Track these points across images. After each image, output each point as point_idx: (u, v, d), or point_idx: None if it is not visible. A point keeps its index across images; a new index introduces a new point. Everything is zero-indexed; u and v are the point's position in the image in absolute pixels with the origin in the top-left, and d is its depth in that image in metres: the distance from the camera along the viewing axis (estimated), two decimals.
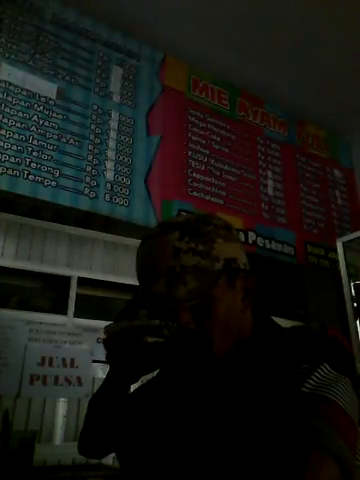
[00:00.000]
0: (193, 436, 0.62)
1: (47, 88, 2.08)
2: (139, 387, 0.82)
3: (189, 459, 0.60)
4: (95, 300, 2.79)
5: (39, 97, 2.03)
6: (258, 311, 0.74)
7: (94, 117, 2.20)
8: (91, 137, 2.14)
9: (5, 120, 1.91)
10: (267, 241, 2.55)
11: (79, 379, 2.40)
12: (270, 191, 2.75)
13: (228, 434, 0.58)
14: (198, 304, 0.62)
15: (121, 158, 2.20)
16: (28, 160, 1.90)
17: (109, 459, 1.92)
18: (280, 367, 0.61)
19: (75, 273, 2.63)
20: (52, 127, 2.02)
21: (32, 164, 1.90)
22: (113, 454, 0.80)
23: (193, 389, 0.69)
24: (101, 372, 2.52)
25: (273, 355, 0.64)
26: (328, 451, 0.49)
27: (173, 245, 0.63)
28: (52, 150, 1.99)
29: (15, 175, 1.84)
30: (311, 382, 0.56)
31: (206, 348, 0.63)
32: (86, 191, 2.02)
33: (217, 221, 0.69)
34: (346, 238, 2.60)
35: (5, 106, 1.93)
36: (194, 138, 2.52)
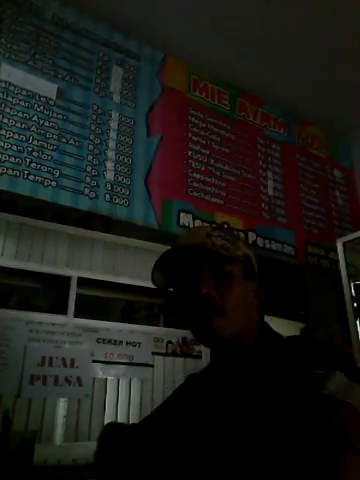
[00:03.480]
0: (211, 451, 0.63)
1: (47, 88, 2.08)
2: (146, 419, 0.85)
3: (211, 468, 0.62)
4: (95, 300, 2.79)
5: (39, 97, 2.03)
6: (261, 319, 0.79)
7: (94, 117, 2.20)
8: (91, 137, 2.14)
9: (5, 120, 1.91)
10: (267, 241, 2.55)
11: (79, 379, 2.40)
12: (270, 191, 2.75)
13: (246, 442, 0.59)
14: (220, 276, 0.73)
15: (121, 158, 2.20)
16: (28, 160, 1.90)
17: None
18: (291, 373, 0.63)
19: (75, 273, 2.63)
20: (52, 127, 2.02)
21: (32, 164, 1.90)
22: None
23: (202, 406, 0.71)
24: (101, 372, 2.52)
25: (280, 361, 0.67)
26: (355, 449, 0.51)
27: (206, 231, 0.76)
28: (52, 150, 1.99)
29: (15, 175, 1.84)
30: (329, 387, 0.58)
31: (218, 312, 0.71)
32: (86, 191, 2.02)
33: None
34: (346, 238, 2.60)
35: (5, 106, 1.93)
36: (194, 138, 2.52)
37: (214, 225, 0.80)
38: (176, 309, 0.78)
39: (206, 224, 0.84)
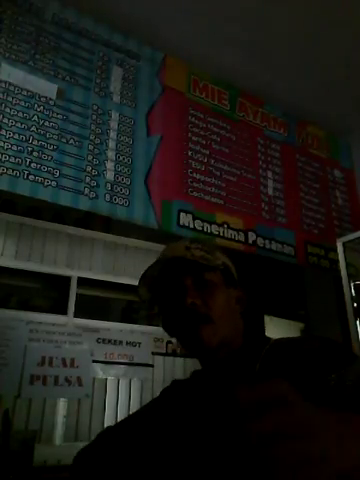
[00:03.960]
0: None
1: (47, 88, 2.08)
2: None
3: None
4: (95, 300, 2.80)
5: (39, 97, 2.03)
6: (249, 323, 0.81)
7: (94, 117, 2.20)
8: (91, 137, 2.14)
9: (5, 120, 1.91)
10: (267, 241, 2.55)
11: (79, 379, 2.40)
12: (270, 191, 2.75)
13: None
14: (202, 286, 0.76)
15: (121, 158, 2.20)
16: (28, 160, 1.90)
17: None
18: (307, 376, 0.61)
19: (75, 273, 2.64)
20: (52, 127, 2.02)
21: (32, 164, 1.90)
22: None
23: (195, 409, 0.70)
24: (101, 372, 2.52)
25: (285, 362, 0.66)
26: None
27: (184, 245, 0.79)
28: (52, 150, 1.99)
29: (15, 175, 1.84)
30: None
31: (205, 321, 0.73)
32: (86, 191, 2.02)
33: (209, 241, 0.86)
34: (346, 238, 2.60)
35: (5, 106, 1.93)
36: (194, 138, 2.52)
37: (191, 240, 0.82)
38: (164, 321, 0.81)
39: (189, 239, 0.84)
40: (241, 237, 2.45)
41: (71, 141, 2.07)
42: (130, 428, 0.78)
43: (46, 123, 2.01)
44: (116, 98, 2.32)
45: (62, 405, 2.37)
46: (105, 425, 2.38)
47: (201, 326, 0.72)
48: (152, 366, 2.63)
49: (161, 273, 0.80)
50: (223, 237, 2.38)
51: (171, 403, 0.77)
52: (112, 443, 0.75)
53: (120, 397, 2.55)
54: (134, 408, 2.50)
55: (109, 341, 2.59)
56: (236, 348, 0.75)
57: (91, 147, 2.12)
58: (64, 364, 2.39)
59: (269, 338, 0.76)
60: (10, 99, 1.95)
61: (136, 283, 0.81)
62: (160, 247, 2.31)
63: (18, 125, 1.93)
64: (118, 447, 0.73)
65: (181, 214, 2.27)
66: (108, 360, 2.56)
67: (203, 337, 0.72)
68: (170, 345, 2.71)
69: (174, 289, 0.77)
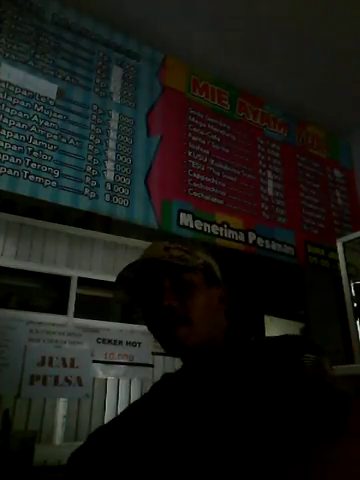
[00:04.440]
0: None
1: (47, 88, 2.08)
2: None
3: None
4: (95, 300, 2.80)
5: (39, 97, 2.03)
6: (235, 322, 0.82)
7: (94, 117, 2.20)
8: (91, 137, 2.14)
9: (5, 120, 1.91)
10: (267, 241, 2.55)
11: (79, 379, 2.40)
12: (270, 191, 2.75)
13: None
14: (181, 287, 0.75)
15: (121, 158, 2.20)
16: (28, 160, 1.90)
17: None
18: (279, 361, 0.65)
19: (75, 273, 2.64)
20: (52, 127, 2.02)
21: (32, 164, 1.90)
22: None
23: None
24: (101, 372, 2.52)
25: (259, 357, 0.69)
26: None
27: (164, 245, 0.79)
28: (52, 150, 1.99)
29: (15, 175, 1.84)
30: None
31: (183, 322, 0.73)
32: (86, 191, 2.02)
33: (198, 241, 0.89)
34: (346, 238, 2.60)
35: (5, 106, 1.93)
36: (194, 138, 2.52)
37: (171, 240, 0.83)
38: (146, 322, 0.80)
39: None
40: (241, 237, 2.45)
41: (71, 141, 2.06)
42: (121, 425, 0.78)
43: (46, 123, 2.01)
44: (116, 98, 2.32)
45: (62, 405, 2.37)
46: None
47: (177, 328, 0.73)
48: (152, 366, 2.63)
49: (139, 275, 0.79)
50: (223, 237, 2.38)
51: (161, 397, 0.78)
52: (103, 442, 0.75)
53: (120, 397, 2.55)
54: None
55: (109, 341, 2.59)
56: (218, 344, 0.75)
57: (91, 147, 2.12)
58: (64, 364, 2.39)
59: (251, 337, 0.77)
60: (10, 99, 1.95)
61: None
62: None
63: (18, 125, 1.93)
64: (109, 445, 0.72)
65: (181, 214, 2.27)
66: (108, 360, 2.56)
67: (180, 339, 0.72)
68: None
69: (152, 291, 0.77)
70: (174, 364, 2.67)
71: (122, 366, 2.59)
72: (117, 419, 0.81)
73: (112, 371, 2.56)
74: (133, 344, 2.66)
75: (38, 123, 1.99)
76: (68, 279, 2.61)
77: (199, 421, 0.64)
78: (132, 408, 0.82)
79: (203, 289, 0.77)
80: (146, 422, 0.72)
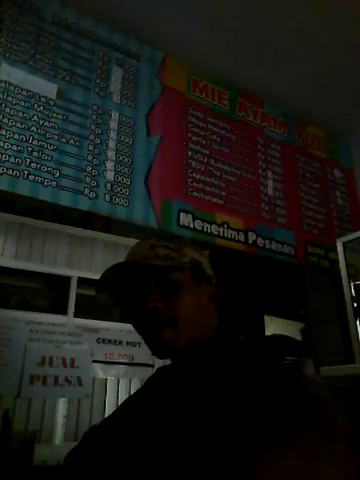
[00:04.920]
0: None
1: (47, 88, 2.08)
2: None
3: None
4: (95, 300, 2.79)
5: (39, 97, 2.03)
6: (227, 319, 0.80)
7: (94, 117, 2.20)
8: (91, 137, 2.14)
9: (5, 120, 1.91)
10: (267, 241, 2.55)
11: (79, 379, 2.40)
12: (270, 191, 2.75)
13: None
14: (166, 287, 0.73)
15: (121, 158, 2.20)
16: (28, 160, 1.90)
17: None
18: (257, 364, 0.64)
19: (75, 273, 2.64)
20: (52, 127, 2.02)
21: (32, 164, 1.90)
22: None
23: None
24: (101, 372, 2.52)
25: (240, 357, 0.68)
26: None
27: (150, 244, 0.77)
28: (52, 150, 1.99)
29: (15, 175, 1.84)
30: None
31: (169, 325, 0.72)
32: (86, 191, 2.02)
33: (187, 239, 0.86)
34: (346, 238, 2.60)
35: (5, 106, 1.93)
36: (194, 138, 2.52)
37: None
38: (133, 325, 0.79)
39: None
40: (241, 237, 2.45)
41: (71, 141, 2.06)
42: (115, 422, 0.77)
43: (46, 123, 2.01)
44: (116, 98, 2.32)
45: (62, 405, 2.37)
46: None
47: (163, 330, 0.71)
48: (152, 366, 2.63)
49: (122, 277, 0.77)
50: (223, 237, 2.38)
51: (155, 391, 0.78)
52: (98, 440, 0.75)
53: (120, 397, 2.55)
54: None
55: (109, 341, 2.59)
56: (207, 344, 0.74)
57: (91, 147, 2.12)
58: (64, 364, 2.39)
59: (239, 337, 0.76)
60: (10, 99, 1.95)
61: None
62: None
63: (18, 125, 1.93)
64: (104, 443, 0.72)
65: (181, 214, 2.27)
66: (108, 360, 2.56)
67: (166, 341, 0.71)
68: None
69: (137, 293, 0.75)
70: None
71: (122, 366, 2.59)
72: (112, 416, 0.81)
73: (112, 371, 2.56)
74: (133, 344, 2.66)
75: (38, 123, 1.99)
76: (68, 279, 2.61)
77: (177, 417, 0.64)
78: (126, 404, 0.83)
79: (191, 288, 0.75)
80: (140, 417, 0.72)
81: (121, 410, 0.81)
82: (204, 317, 0.76)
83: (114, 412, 0.82)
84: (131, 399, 0.83)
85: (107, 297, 0.80)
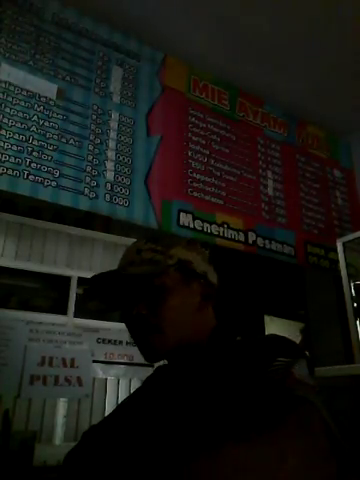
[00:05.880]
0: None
1: (47, 88, 2.08)
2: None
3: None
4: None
5: (39, 97, 2.03)
6: (224, 319, 0.80)
7: (94, 117, 2.20)
8: (91, 137, 2.14)
9: (5, 120, 1.91)
10: (267, 241, 2.55)
11: (79, 379, 2.40)
12: (270, 191, 2.75)
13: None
14: (152, 292, 0.73)
15: (121, 158, 2.20)
16: (28, 160, 1.90)
17: None
18: (250, 364, 0.64)
19: (75, 273, 2.64)
20: (52, 127, 2.02)
21: (32, 164, 1.90)
22: None
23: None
24: (101, 372, 2.52)
25: (235, 357, 0.68)
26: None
27: (137, 247, 0.77)
28: (52, 150, 1.99)
29: (15, 175, 1.84)
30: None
31: (155, 330, 0.72)
32: (86, 191, 2.02)
33: (185, 239, 0.82)
34: (346, 238, 2.60)
35: (5, 106, 1.93)
36: (194, 138, 2.52)
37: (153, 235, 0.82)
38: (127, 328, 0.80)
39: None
40: (241, 237, 2.45)
41: (71, 141, 2.06)
42: (115, 421, 0.78)
43: (46, 123, 2.01)
44: (116, 98, 2.32)
45: (62, 405, 2.37)
46: None
47: (150, 335, 0.73)
48: (152, 366, 2.62)
49: (109, 285, 0.77)
50: (223, 237, 2.38)
51: (153, 390, 0.78)
52: (97, 440, 0.75)
53: (120, 397, 2.55)
54: None
55: (109, 341, 2.59)
56: (203, 344, 0.74)
57: (91, 147, 2.12)
58: (64, 364, 2.39)
59: (237, 337, 0.75)
60: (10, 99, 1.95)
61: None
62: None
63: (18, 125, 1.93)
64: (104, 443, 0.73)
65: (181, 214, 2.27)
66: (108, 360, 2.56)
67: (153, 346, 0.73)
68: None
69: (124, 299, 0.76)
70: None
71: (122, 366, 2.59)
72: (111, 416, 0.81)
73: (112, 371, 2.56)
74: (133, 344, 2.66)
75: (38, 123, 1.99)
76: (68, 279, 2.61)
77: (169, 416, 0.65)
78: (125, 403, 0.83)
79: (178, 290, 0.74)
80: (138, 416, 0.73)
81: (120, 409, 0.82)
82: (195, 318, 0.75)
83: (113, 411, 0.82)
84: (130, 398, 0.84)
85: (98, 303, 0.81)
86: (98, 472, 0.68)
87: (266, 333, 3.29)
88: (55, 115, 2.05)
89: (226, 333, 0.76)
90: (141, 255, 0.75)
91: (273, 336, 0.71)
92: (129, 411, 0.77)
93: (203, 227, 2.32)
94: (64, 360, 2.40)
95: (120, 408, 0.82)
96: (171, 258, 0.75)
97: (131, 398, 0.83)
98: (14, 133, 1.91)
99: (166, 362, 0.82)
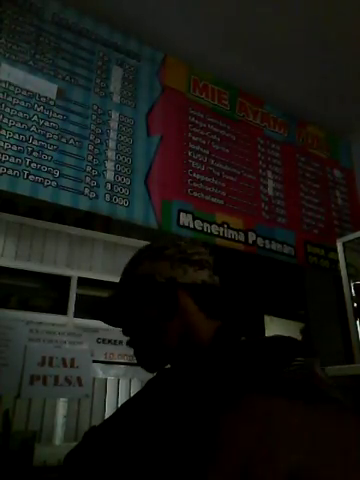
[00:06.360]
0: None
1: (47, 88, 2.08)
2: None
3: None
4: (95, 300, 2.79)
5: (39, 97, 2.03)
6: (228, 319, 0.80)
7: (94, 117, 2.20)
8: (91, 137, 2.14)
9: (5, 120, 1.91)
10: (267, 241, 2.55)
11: (79, 379, 2.40)
12: (270, 191, 2.75)
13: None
14: (126, 308, 0.79)
15: (121, 158, 2.20)
16: (28, 160, 1.90)
17: None
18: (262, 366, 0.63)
19: (75, 273, 2.64)
20: (52, 127, 2.02)
21: (32, 164, 1.90)
22: None
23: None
24: (101, 372, 2.52)
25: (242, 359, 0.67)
26: None
27: (126, 267, 0.85)
28: (52, 150, 1.99)
29: (15, 175, 1.84)
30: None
31: (136, 344, 0.79)
32: (86, 191, 2.02)
33: (157, 244, 0.83)
34: (346, 238, 2.60)
35: (5, 106, 1.93)
36: (194, 138, 2.52)
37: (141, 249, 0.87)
38: None
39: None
40: (241, 237, 2.45)
41: (71, 141, 2.06)
42: (116, 423, 0.78)
43: (46, 123, 2.01)
44: (116, 98, 2.32)
45: (62, 405, 2.37)
46: None
47: (134, 350, 0.80)
48: None
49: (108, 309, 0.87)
50: (223, 237, 2.38)
51: (155, 392, 0.78)
52: (98, 441, 0.75)
53: (120, 397, 2.55)
54: None
55: (109, 341, 2.59)
56: (204, 345, 0.73)
57: (91, 147, 2.12)
58: (64, 364, 2.39)
59: (241, 337, 0.74)
60: (10, 99, 1.95)
61: None
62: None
63: (18, 125, 1.93)
64: (104, 444, 0.73)
65: (181, 214, 2.27)
66: (108, 360, 2.55)
67: (138, 359, 0.79)
68: None
69: (118, 317, 0.84)
70: None
71: (122, 366, 2.59)
72: (112, 417, 0.81)
73: (112, 371, 2.56)
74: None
75: (38, 123, 1.99)
76: (68, 279, 2.61)
77: (174, 418, 0.64)
78: (127, 405, 0.83)
79: (139, 306, 0.78)
80: (139, 418, 0.73)
81: (121, 411, 0.82)
82: (163, 328, 0.76)
83: (114, 413, 0.82)
84: (131, 400, 0.84)
85: (110, 321, 0.88)
86: (98, 472, 0.68)
87: (266, 333, 3.29)
88: (55, 115, 2.05)
89: (231, 333, 0.75)
90: (123, 274, 0.85)
91: (282, 337, 0.70)
92: (131, 413, 0.77)
93: (203, 227, 2.32)
94: (64, 360, 2.40)
95: (121, 410, 0.82)
96: (134, 277, 0.81)
97: (133, 400, 0.83)
98: (14, 133, 1.91)
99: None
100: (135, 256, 0.84)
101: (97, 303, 0.85)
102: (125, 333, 0.82)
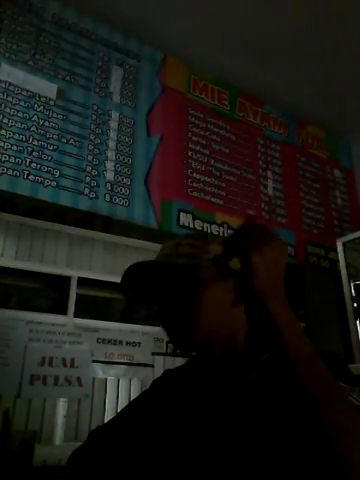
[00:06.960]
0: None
1: (47, 88, 2.08)
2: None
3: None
4: (95, 300, 2.79)
5: (39, 97, 2.03)
6: (254, 322, 0.79)
7: (94, 117, 2.20)
8: (91, 137, 2.14)
9: (5, 120, 1.91)
10: None
11: (79, 379, 2.40)
12: (270, 191, 2.75)
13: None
14: (187, 284, 0.74)
15: (121, 158, 2.20)
16: (28, 160, 1.90)
17: None
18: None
19: (75, 273, 2.63)
20: (52, 127, 2.02)
21: (32, 164, 1.90)
22: None
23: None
24: (101, 372, 2.52)
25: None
26: None
27: (176, 242, 0.79)
28: (52, 150, 1.99)
29: (15, 175, 1.84)
30: None
31: (187, 320, 0.73)
32: (86, 191, 2.02)
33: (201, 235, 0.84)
34: (346, 238, 2.60)
35: (5, 106, 1.93)
36: (194, 138, 2.52)
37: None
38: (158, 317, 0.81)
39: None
40: None
41: (71, 141, 2.06)
42: (121, 423, 0.78)
43: (46, 123, 2.01)
44: (116, 98, 2.32)
45: (62, 405, 2.37)
46: None
47: (182, 325, 0.74)
48: (152, 366, 2.62)
49: (145, 275, 0.79)
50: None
51: (162, 394, 0.78)
52: (103, 441, 0.75)
53: (120, 397, 2.55)
54: None
55: (109, 341, 2.58)
56: (239, 349, 0.74)
57: (91, 147, 2.12)
58: (64, 364, 2.38)
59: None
60: (10, 99, 1.95)
61: None
62: (160, 247, 2.30)
63: (18, 125, 1.93)
64: (110, 444, 0.73)
65: (181, 214, 2.27)
66: (108, 360, 2.55)
67: (184, 336, 0.74)
68: (170, 345, 2.71)
69: (159, 290, 0.77)
70: (174, 364, 2.67)
71: (122, 366, 2.58)
72: (117, 417, 0.81)
73: (112, 371, 2.55)
74: (133, 344, 2.65)
75: (38, 123, 1.99)
76: (68, 279, 2.61)
77: (197, 419, 0.64)
78: (132, 405, 0.83)
79: (213, 285, 0.75)
80: (146, 419, 0.72)
81: (127, 411, 0.82)
82: (228, 313, 0.76)
83: (119, 413, 0.82)
84: (137, 401, 0.83)
85: (134, 293, 0.82)
86: (103, 472, 0.68)
87: None
88: (55, 115, 2.05)
89: (261, 338, 0.75)
90: (178, 249, 0.77)
91: (325, 351, 0.68)
92: (136, 414, 0.77)
93: (203, 227, 2.32)
94: (64, 360, 2.40)
95: (127, 410, 0.82)
96: (208, 253, 0.76)
97: (138, 400, 0.83)
98: (14, 133, 1.91)
99: (171, 363, 0.82)
100: (193, 240, 0.79)
101: (149, 266, 0.77)
102: (164, 308, 0.77)
